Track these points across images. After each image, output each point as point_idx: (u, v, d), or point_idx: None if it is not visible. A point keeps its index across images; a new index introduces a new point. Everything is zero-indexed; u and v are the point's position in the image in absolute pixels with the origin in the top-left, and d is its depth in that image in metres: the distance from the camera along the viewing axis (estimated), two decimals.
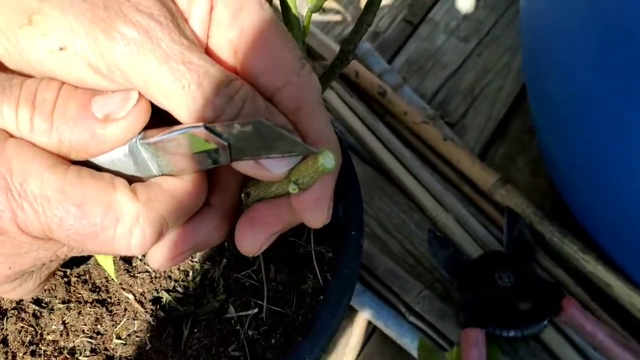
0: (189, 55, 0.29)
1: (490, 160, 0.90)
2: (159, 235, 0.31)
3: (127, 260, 0.47)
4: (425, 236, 0.79)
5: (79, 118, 0.28)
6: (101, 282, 0.46)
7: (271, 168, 0.31)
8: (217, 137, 0.29)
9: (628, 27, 0.52)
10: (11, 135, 0.28)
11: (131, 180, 0.31)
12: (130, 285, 0.45)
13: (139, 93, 0.29)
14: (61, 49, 0.28)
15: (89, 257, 0.46)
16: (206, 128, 0.29)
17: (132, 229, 0.29)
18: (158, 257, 0.33)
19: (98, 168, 0.30)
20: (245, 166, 0.31)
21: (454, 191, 0.85)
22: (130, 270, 0.46)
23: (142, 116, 0.29)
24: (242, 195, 0.37)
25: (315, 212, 0.32)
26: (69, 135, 0.28)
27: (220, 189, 0.35)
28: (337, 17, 1.05)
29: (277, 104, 0.32)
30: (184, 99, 0.29)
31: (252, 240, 0.34)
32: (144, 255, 0.47)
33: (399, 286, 0.75)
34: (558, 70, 0.66)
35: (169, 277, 0.46)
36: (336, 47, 0.97)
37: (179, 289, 0.46)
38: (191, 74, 0.29)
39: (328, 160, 0.29)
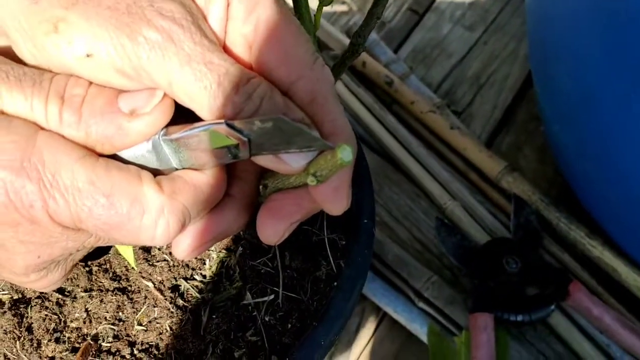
0: (209, 56, 0.30)
1: (497, 148, 0.90)
2: (183, 226, 0.32)
3: (146, 249, 0.48)
4: (433, 223, 0.80)
5: (106, 112, 0.29)
6: (121, 271, 0.47)
7: (290, 162, 0.32)
8: (237, 133, 0.30)
9: (638, 9, 0.52)
10: (42, 128, 0.29)
11: (155, 173, 0.32)
12: (150, 274, 0.47)
13: (164, 91, 0.30)
14: (88, 55, 0.29)
15: (110, 247, 0.47)
16: (227, 125, 0.30)
17: (158, 220, 0.31)
18: (182, 247, 0.35)
19: (123, 162, 0.32)
20: (265, 160, 0.32)
21: (461, 179, 0.86)
22: (149, 259, 0.48)
23: (166, 112, 0.31)
24: (260, 186, 0.38)
25: (336, 201, 0.34)
26: (95, 128, 0.29)
27: (239, 179, 0.37)
28: (344, 8, 1.06)
29: (292, 97, 0.33)
30: (206, 98, 0.30)
31: (274, 229, 0.35)
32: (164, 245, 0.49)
33: (407, 273, 0.76)
34: (565, 57, 0.66)
35: (187, 265, 0.47)
36: (343, 38, 0.97)
37: (196, 277, 0.47)
38: (212, 74, 0.30)
39: (346, 154, 0.30)
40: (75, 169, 0.29)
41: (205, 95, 0.30)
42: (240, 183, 0.37)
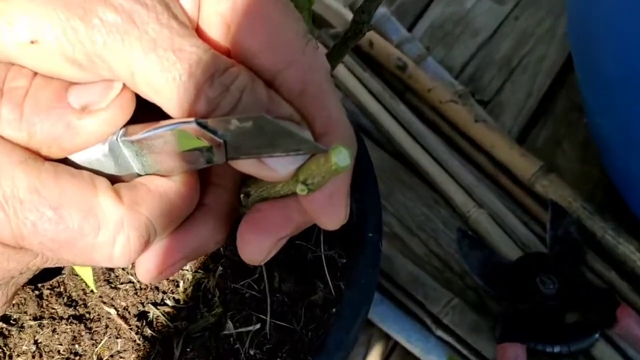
0: (179, 42, 0.30)
1: (531, 144, 0.90)
2: (146, 244, 0.32)
3: (108, 268, 0.48)
4: (454, 236, 0.80)
5: (52, 108, 0.29)
6: (78, 295, 0.47)
7: (276, 167, 0.32)
8: (211, 134, 0.30)
9: None
10: None
11: (113, 180, 0.32)
12: (112, 298, 0.47)
13: (124, 83, 0.30)
14: (32, 42, 0.28)
15: (63, 267, 0.47)
16: (198, 124, 0.29)
17: (116, 236, 0.30)
18: (147, 268, 0.35)
19: (75, 167, 0.32)
20: (245, 165, 0.32)
21: (488, 182, 0.86)
22: (111, 280, 0.48)
23: (126, 108, 0.30)
24: (241, 195, 0.38)
25: (331, 213, 0.33)
26: (40, 127, 0.29)
27: (216, 186, 0.36)
28: None
29: (279, 88, 0.33)
30: (174, 91, 0.30)
31: (258, 246, 0.35)
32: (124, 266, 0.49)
33: (423, 294, 0.76)
34: (612, 36, 0.66)
35: (157, 288, 0.48)
36: (346, 12, 0.97)
37: (168, 301, 0.47)
38: (182, 63, 0.29)
39: (342, 157, 0.30)
40: (16, 175, 0.29)
41: (173, 88, 0.30)
42: (217, 190, 0.37)
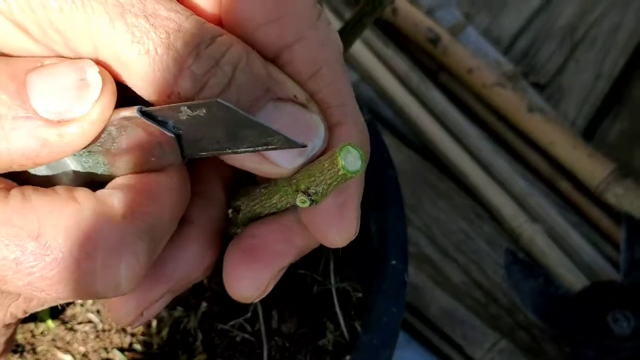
0: (152, 5, 0.31)
1: (601, 140, 0.92)
2: (152, 258, 0.33)
3: (59, 305, 0.50)
4: (502, 259, 0.81)
5: (19, 119, 0.30)
6: (25, 338, 0.49)
7: (279, 161, 0.33)
8: (159, 127, 0.32)
9: None
10: None
11: (44, 183, 0.33)
12: (68, 342, 0.49)
13: (97, 66, 0.31)
14: None
15: None
16: (142, 114, 0.31)
17: (120, 257, 0.32)
18: (126, 309, 0.36)
19: (28, 177, 0.33)
20: (239, 160, 0.34)
21: (545, 189, 0.87)
22: (66, 320, 0.50)
23: (110, 107, 0.31)
24: (229, 211, 0.39)
25: (338, 228, 0.35)
26: (7, 146, 0.30)
27: (200, 197, 0.38)
28: None
29: (284, 67, 0.34)
30: (148, 68, 0.31)
31: (253, 280, 0.37)
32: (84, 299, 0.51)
33: (462, 335, 0.77)
34: None
35: (123, 330, 0.49)
36: None
37: (137, 346, 0.49)
38: (157, 31, 0.31)
39: (351, 160, 0.31)
40: None
41: (146, 63, 0.31)
42: (202, 202, 0.38)
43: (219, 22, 0.35)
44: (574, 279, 0.80)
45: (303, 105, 0.34)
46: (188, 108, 0.31)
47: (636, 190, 0.84)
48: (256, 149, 0.32)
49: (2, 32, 0.31)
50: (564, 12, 1.01)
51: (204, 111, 0.30)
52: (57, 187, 0.32)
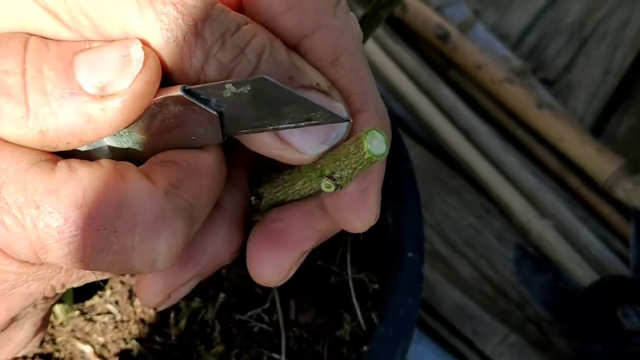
0: None
1: (609, 136, 0.92)
2: (189, 237, 0.34)
3: (79, 295, 0.50)
4: (511, 254, 0.81)
5: (65, 95, 0.30)
6: None
7: (302, 146, 0.34)
8: (202, 105, 0.32)
9: None
10: None
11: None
12: (87, 333, 0.49)
13: (142, 44, 0.31)
14: None
15: None
16: (186, 92, 0.32)
17: (159, 231, 0.32)
18: (154, 290, 0.37)
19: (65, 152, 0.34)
20: (261, 144, 0.34)
21: (554, 185, 0.88)
22: (85, 310, 0.50)
23: (154, 81, 0.32)
24: (252, 198, 0.40)
25: (361, 212, 0.35)
26: (54, 123, 0.31)
27: (229, 182, 0.38)
28: None
29: (305, 55, 0.35)
30: (176, 55, 0.32)
31: (277, 264, 0.37)
32: (103, 289, 0.51)
33: (472, 329, 0.78)
34: None
35: (142, 320, 0.50)
36: None
37: (156, 337, 0.49)
38: (185, 19, 0.31)
39: (376, 144, 0.32)
40: (27, 181, 0.31)
41: (174, 50, 0.31)
42: (230, 187, 0.38)
43: (240, 8, 0.35)
44: (583, 274, 0.80)
45: (326, 93, 0.34)
46: (233, 85, 0.31)
47: None
48: (298, 124, 0.32)
49: (34, 17, 0.31)
50: (572, 9, 1.01)
51: (249, 88, 0.31)
52: (102, 160, 0.33)
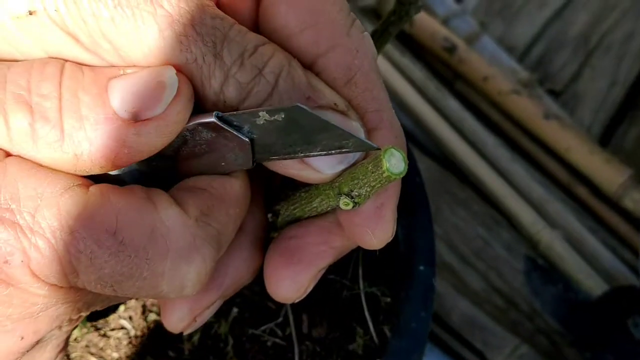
0: (199, 15, 0.32)
1: (617, 146, 0.92)
2: (216, 261, 0.34)
3: (94, 312, 0.51)
4: (521, 265, 0.81)
5: (99, 120, 0.31)
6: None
7: (320, 166, 0.34)
8: (234, 132, 0.32)
9: None
10: (8, 154, 0.31)
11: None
12: (101, 349, 0.49)
13: (175, 70, 0.32)
14: (30, 13, 0.31)
15: None
16: (219, 118, 0.32)
17: (189, 258, 0.32)
18: (180, 315, 0.37)
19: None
20: (281, 165, 0.35)
21: (562, 195, 0.88)
22: (99, 326, 0.50)
23: (186, 108, 0.32)
24: (269, 215, 0.40)
25: (378, 229, 0.36)
26: (88, 147, 0.31)
27: (250, 202, 0.38)
28: None
29: (320, 74, 0.35)
30: (196, 76, 0.32)
31: (294, 281, 0.38)
32: (116, 306, 0.51)
33: (482, 341, 0.78)
34: None
35: (155, 335, 0.50)
36: None
37: (170, 352, 0.49)
38: (204, 40, 0.32)
39: (395, 162, 0.32)
40: (62, 204, 0.31)
41: (194, 72, 0.32)
42: (251, 209, 0.38)
43: (254, 27, 0.36)
44: (593, 284, 0.80)
45: (343, 113, 0.34)
46: (267, 113, 0.31)
47: None
48: (329, 152, 0.32)
49: (55, 40, 0.32)
50: (578, 21, 1.01)
51: (282, 116, 0.31)
52: (134, 187, 0.33)
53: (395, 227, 0.37)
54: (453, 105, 0.91)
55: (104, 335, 0.50)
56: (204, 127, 0.33)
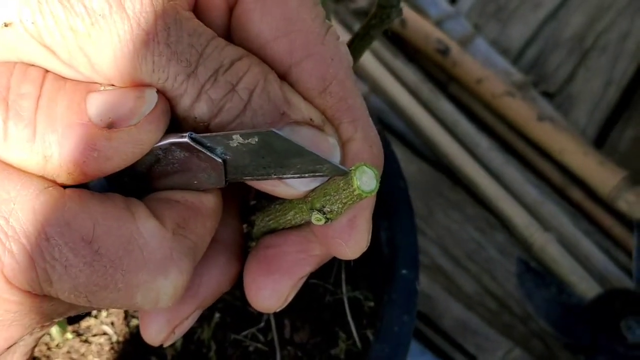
0: (176, 32, 0.32)
1: (612, 148, 0.92)
2: (191, 276, 0.34)
3: (74, 317, 0.50)
4: (514, 268, 0.81)
5: (72, 124, 0.31)
6: (40, 351, 0.49)
7: (294, 184, 0.34)
8: (207, 152, 0.32)
9: None
10: None
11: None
12: (83, 354, 0.49)
13: (157, 91, 0.32)
14: (6, 24, 0.30)
15: None
16: (192, 139, 0.32)
17: (166, 270, 0.32)
18: (157, 328, 0.37)
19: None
20: (256, 182, 0.34)
21: (556, 198, 0.87)
22: (81, 332, 0.50)
23: (162, 122, 0.32)
24: (245, 225, 0.40)
25: (351, 242, 0.35)
26: (58, 149, 0.31)
27: (224, 213, 0.38)
28: None
29: (295, 84, 0.35)
30: (168, 93, 0.32)
31: (274, 290, 0.37)
32: (98, 310, 0.51)
33: (475, 344, 0.77)
34: None
35: (138, 341, 0.50)
36: None
37: (152, 358, 0.49)
38: (180, 60, 0.31)
39: (366, 180, 0.32)
40: (37, 209, 0.30)
41: (167, 89, 0.32)
42: (226, 219, 0.38)
43: (227, 34, 0.35)
44: (586, 287, 0.80)
45: (319, 128, 0.34)
46: (240, 136, 0.31)
47: None
48: (302, 175, 0.33)
49: (31, 52, 0.32)
50: (572, 21, 1.01)
51: (256, 139, 0.31)
52: (113, 195, 0.33)
53: (369, 239, 0.36)
54: (447, 107, 0.91)
55: (86, 341, 0.50)
56: (177, 147, 0.33)
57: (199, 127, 0.33)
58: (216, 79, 0.32)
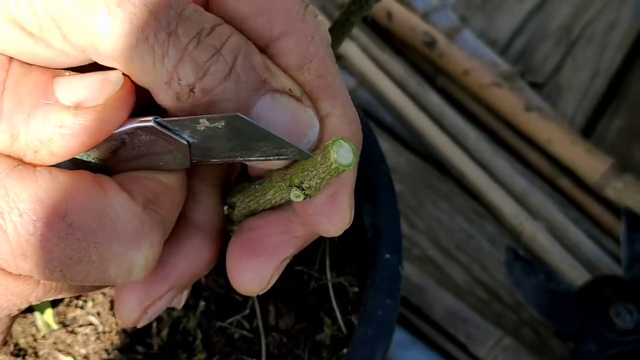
0: None
1: (600, 137, 0.92)
2: (161, 250, 0.35)
3: (57, 305, 0.51)
4: (503, 257, 0.81)
5: (39, 103, 0.31)
6: (27, 342, 0.50)
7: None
8: (173, 135, 0.33)
9: None
10: None
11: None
12: (69, 345, 0.49)
13: (123, 74, 0.32)
14: None
15: None
16: (157, 124, 0.32)
17: (139, 245, 0.33)
18: (129, 307, 0.37)
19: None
20: None
21: (545, 187, 0.88)
22: (67, 322, 0.50)
23: (127, 103, 0.32)
24: (225, 207, 0.40)
25: (334, 218, 0.35)
26: (25, 127, 0.31)
27: (197, 192, 0.39)
28: None
29: (274, 59, 0.35)
30: (147, 57, 0.32)
31: (257, 273, 0.37)
32: (84, 301, 0.51)
33: (466, 334, 0.77)
34: None
35: (124, 331, 0.50)
36: None
37: (138, 347, 0.49)
38: (158, 18, 0.31)
39: (343, 154, 0.32)
40: (9, 186, 0.31)
41: (146, 52, 0.32)
42: (199, 197, 0.39)
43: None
44: (576, 275, 0.80)
45: (297, 99, 0.34)
46: (207, 120, 0.32)
47: (636, 185, 0.84)
48: (268, 158, 0.33)
49: (4, 32, 0.31)
50: (559, 12, 1.01)
51: (223, 124, 0.31)
52: (82, 171, 0.33)
53: (352, 214, 0.37)
54: (434, 99, 0.91)
55: (72, 332, 0.50)
56: (143, 131, 0.33)
57: (182, 97, 0.33)
58: (199, 41, 0.32)
